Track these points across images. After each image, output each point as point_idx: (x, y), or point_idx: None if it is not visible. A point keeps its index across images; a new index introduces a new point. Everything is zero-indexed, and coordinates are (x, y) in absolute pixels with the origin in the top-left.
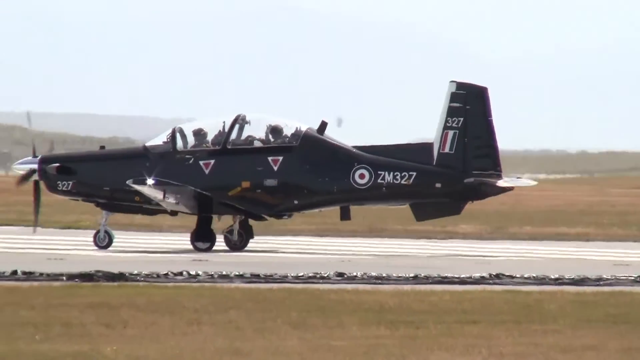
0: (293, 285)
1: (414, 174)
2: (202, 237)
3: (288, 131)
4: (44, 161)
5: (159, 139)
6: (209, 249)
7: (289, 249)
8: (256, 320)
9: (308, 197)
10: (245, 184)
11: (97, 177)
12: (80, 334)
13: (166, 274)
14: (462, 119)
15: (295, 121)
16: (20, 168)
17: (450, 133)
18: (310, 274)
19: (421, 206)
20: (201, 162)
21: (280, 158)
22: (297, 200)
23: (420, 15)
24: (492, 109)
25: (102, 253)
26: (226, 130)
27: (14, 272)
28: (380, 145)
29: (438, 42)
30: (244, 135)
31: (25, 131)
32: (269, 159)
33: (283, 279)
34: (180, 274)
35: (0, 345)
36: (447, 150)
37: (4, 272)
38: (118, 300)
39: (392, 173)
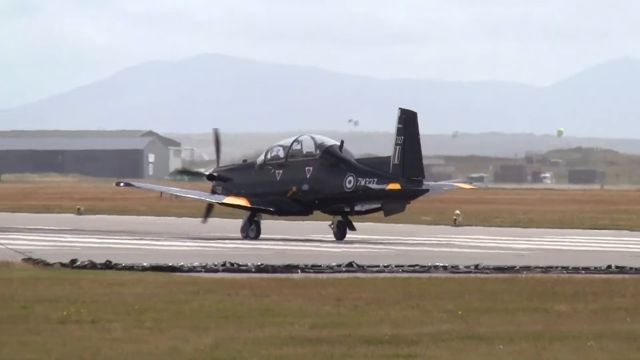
0: None
1: (376, 179)
2: (248, 229)
3: (321, 147)
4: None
5: (263, 155)
6: (256, 237)
7: None
8: None
9: (323, 198)
10: (294, 188)
11: (232, 183)
12: None
13: None
14: (402, 137)
15: (331, 140)
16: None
17: (398, 148)
18: None
19: (385, 205)
20: (276, 171)
21: (311, 168)
22: (317, 200)
23: None
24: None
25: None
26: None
27: (564, 268)
28: (367, 158)
29: None
30: (301, 151)
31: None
32: (306, 168)
33: None
34: None
35: (597, 325)
36: (396, 161)
37: (600, 267)
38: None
39: (365, 179)
